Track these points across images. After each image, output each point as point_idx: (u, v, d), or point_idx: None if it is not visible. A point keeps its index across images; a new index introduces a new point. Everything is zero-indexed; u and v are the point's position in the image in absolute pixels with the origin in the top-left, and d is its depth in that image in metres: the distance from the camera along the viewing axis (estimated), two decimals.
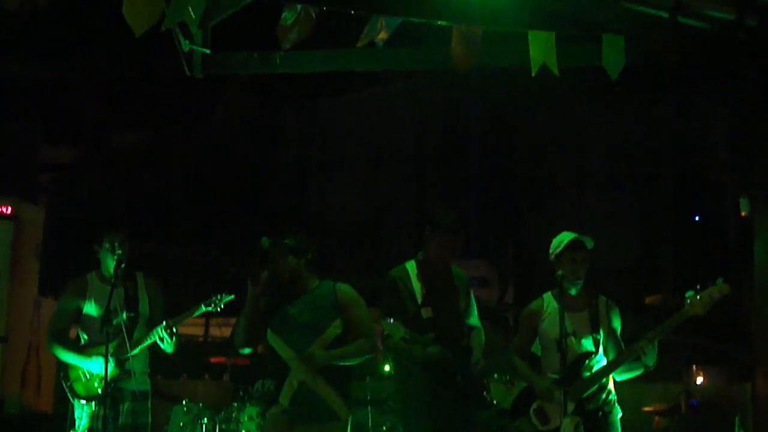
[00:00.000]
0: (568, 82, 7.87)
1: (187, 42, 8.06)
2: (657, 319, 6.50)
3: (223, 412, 9.52)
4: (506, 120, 13.14)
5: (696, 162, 10.80)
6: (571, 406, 6.42)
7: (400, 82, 11.98)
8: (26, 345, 11.19)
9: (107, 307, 6.68)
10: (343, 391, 6.22)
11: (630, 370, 6.59)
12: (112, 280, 6.75)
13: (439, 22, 7.06)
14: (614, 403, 6.69)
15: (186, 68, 8.37)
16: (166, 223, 12.92)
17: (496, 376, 8.48)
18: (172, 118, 13.27)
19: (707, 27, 8.31)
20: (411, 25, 7.11)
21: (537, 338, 6.81)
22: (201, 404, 9.73)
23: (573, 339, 6.53)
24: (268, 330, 6.26)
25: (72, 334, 7.21)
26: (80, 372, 6.98)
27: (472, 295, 7.03)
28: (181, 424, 9.50)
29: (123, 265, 6.84)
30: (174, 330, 6.99)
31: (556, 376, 6.55)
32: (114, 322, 6.74)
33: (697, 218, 10.86)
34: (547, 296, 6.80)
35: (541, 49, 6.86)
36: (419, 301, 6.72)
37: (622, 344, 6.66)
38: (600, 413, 6.58)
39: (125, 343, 6.80)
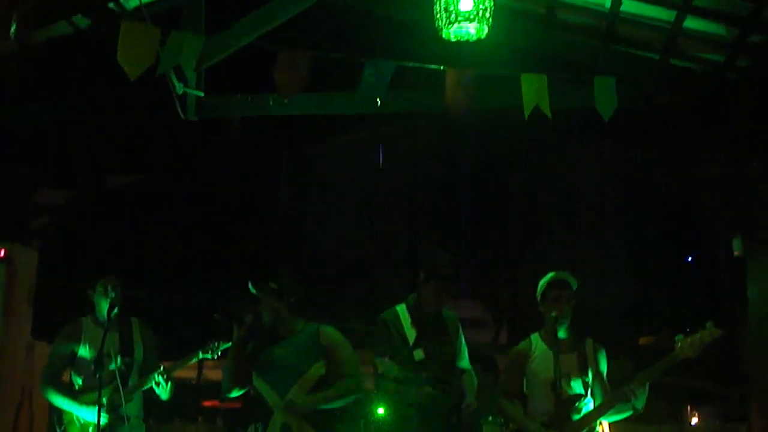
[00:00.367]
0: (561, 123, 7.92)
1: (181, 85, 8.11)
2: (651, 361, 6.49)
3: None
4: (499, 162, 13.18)
5: (688, 203, 10.83)
6: None
7: (394, 124, 12.03)
8: (19, 389, 11.10)
9: (100, 350, 6.65)
10: None
11: (619, 412, 6.56)
12: (106, 325, 6.74)
13: (432, 66, 7.11)
14: None
15: (180, 111, 8.41)
16: (159, 267, 12.91)
17: (491, 418, 8.44)
18: (166, 161, 13.29)
19: (699, 68, 8.39)
20: (405, 68, 7.15)
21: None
22: None
23: (562, 381, 6.51)
24: (254, 374, 6.27)
25: (65, 377, 7.18)
26: (74, 416, 6.95)
27: (463, 338, 7.03)
28: None
29: (117, 310, 6.82)
30: (170, 376, 6.99)
31: (544, 419, 6.53)
32: (109, 367, 6.73)
33: (690, 259, 10.88)
34: (535, 337, 6.78)
35: (533, 91, 6.90)
36: (411, 343, 6.72)
37: (608, 387, 6.64)
38: None
39: (119, 389, 6.76)
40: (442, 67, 7.11)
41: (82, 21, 9.41)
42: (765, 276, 7.96)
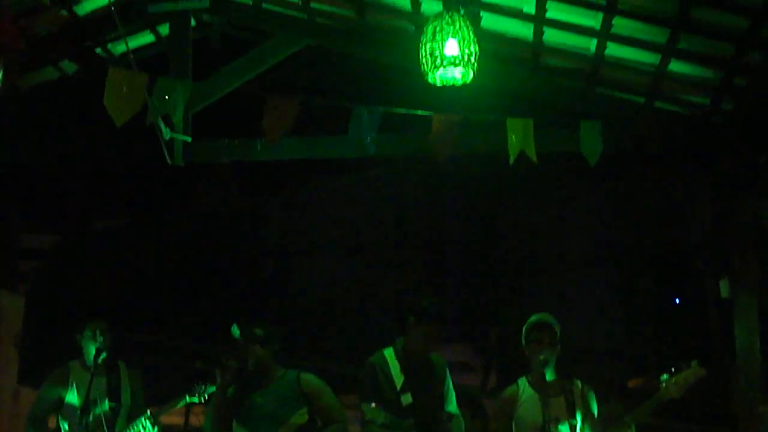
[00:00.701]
0: (547, 166, 7.94)
1: (168, 130, 8.11)
2: (640, 403, 6.47)
3: None
4: (486, 204, 13.22)
5: (676, 244, 10.86)
6: None
7: (381, 168, 12.07)
8: None
9: (87, 396, 6.63)
10: None
11: None
12: (93, 370, 6.71)
13: (419, 112, 7.14)
14: None
15: (167, 156, 8.40)
16: (148, 310, 12.87)
17: None
18: (153, 204, 13.29)
19: (684, 111, 8.44)
20: (392, 113, 7.18)
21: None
22: None
23: (550, 426, 6.48)
24: (234, 422, 6.25)
25: (51, 423, 7.14)
26: None
27: (451, 382, 7.00)
28: None
29: (105, 354, 6.80)
30: (157, 420, 6.96)
31: None
32: (96, 412, 6.70)
33: (677, 301, 10.90)
34: (522, 381, 6.76)
35: (519, 136, 6.94)
36: (398, 388, 6.69)
37: (600, 428, 6.61)
38: None
39: None
40: (428, 113, 7.15)
41: (69, 66, 9.46)
42: (752, 317, 7.97)
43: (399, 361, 6.74)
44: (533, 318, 6.70)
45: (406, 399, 6.65)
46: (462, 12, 6.72)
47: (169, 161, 8.44)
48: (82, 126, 9.31)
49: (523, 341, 6.70)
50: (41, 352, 10.64)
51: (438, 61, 6.50)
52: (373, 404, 6.43)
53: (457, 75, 6.61)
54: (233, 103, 8.69)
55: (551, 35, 8.10)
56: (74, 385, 6.98)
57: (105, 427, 6.73)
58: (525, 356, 6.70)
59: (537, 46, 8.29)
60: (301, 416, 6.16)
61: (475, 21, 7.70)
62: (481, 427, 8.83)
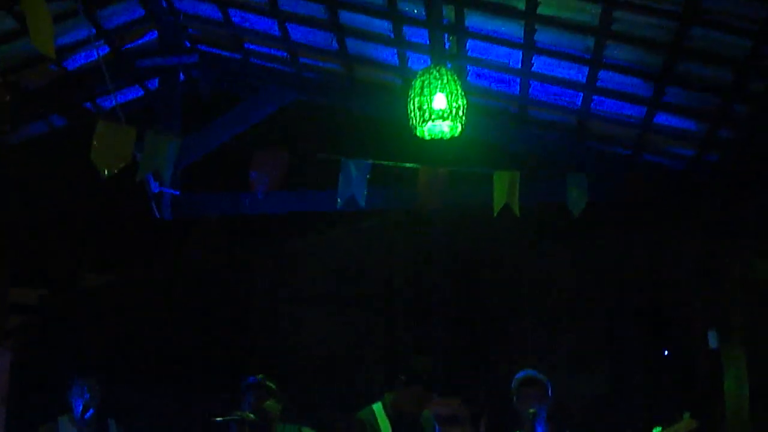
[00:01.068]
0: (535, 217, 7.97)
1: (156, 184, 8.13)
2: None
3: None
4: (473, 255, 13.23)
5: (663, 296, 10.86)
6: None
7: (371, 220, 12.08)
8: None
9: None
10: None
11: None
12: (81, 426, 6.68)
13: (407, 165, 7.17)
14: None
15: (156, 210, 8.42)
16: (138, 365, 12.80)
17: None
18: (141, 258, 13.26)
19: (670, 163, 8.49)
20: (379, 166, 7.21)
21: None
22: None
23: None
24: None
25: None
26: None
27: None
28: None
29: (92, 410, 6.77)
30: None
31: None
32: None
33: (666, 353, 10.89)
34: None
35: (504, 188, 6.96)
36: None
37: None
38: None
39: None
40: (415, 166, 7.19)
41: (58, 120, 9.48)
42: (740, 368, 7.97)
43: (388, 418, 6.72)
44: (521, 374, 6.71)
45: None
46: (449, 66, 6.79)
47: (157, 215, 8.45)
48: (70, 180, 9.32)
49: (513, 397, 6.70)
50: (29, 408, 10.56)
51: (426, 114, 6.55)
52: None
53: (445, 128, 6.66)
54: (222, 157, 8.72)
55: (538, 89, 8.16)
56: None
57: None
58: (515, 408, 6.70)
59: (524, 99, 8.35)
60: None
61: (462, 75, 7.77)
62: None
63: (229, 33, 8.87)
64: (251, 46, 9.06)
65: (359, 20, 7.95)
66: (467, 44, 7.78)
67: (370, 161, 7.04)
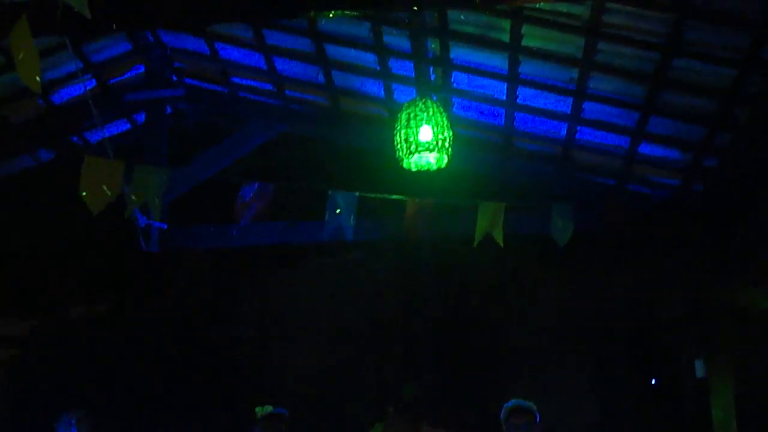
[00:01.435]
0: (522, 247, 7.98)
1: (144, 218, 8.13)
2: None
3: None
4: (461, 285, 13.24)
5: (650, 326, 10.87)
6: None
7: (359, 251, 12.09)
8: None
9: None
10: None
11: None
12: None
13: (393, 196, 7.19)
14: None
15: (143, 243, 8.41)
16: (126, 397, 12.76)
17: None
18: (129, 290, 13.24)
19: (654, 192, 8.52)
20: (366, 198, 7.23)
21: None
22: None
23: None
24: None
25: None
26: None
27: None
28: None
29: None
30: None
31: None
32: None
33: (654, 381, 10.90)
34: None
35: (488, 219, 6.97)
36: None
37: None
38: None
39: None
40: (401, 198, 7.21)
41: (45, 154, 9.48)
42: (728, 396, 7.98)
43: None
44: (510, 403, 6.71)
45: None
46: (435, 98, 6.82)
47: (144, 247, 8.45)
48: (58, 213, 9.31)
49: (503, 425, 6.70)
50: None
51: (413, 146, 6.58)
52: None
53: (431, 160, 6.68)
54: (209, 190, 8.73)
55: (523, 120, 8.20)
56: None
57: None
58: None
59: (509, 130, 8.39)
60: None
61: (447, 107, 7.82)
62: None
63: (215, 67, 8.91)
64: (238, 80, 9.09)
65: (345, 53, 8.00)
66: (452, 76, 7.83)
67: (357, 193, 7.05)
